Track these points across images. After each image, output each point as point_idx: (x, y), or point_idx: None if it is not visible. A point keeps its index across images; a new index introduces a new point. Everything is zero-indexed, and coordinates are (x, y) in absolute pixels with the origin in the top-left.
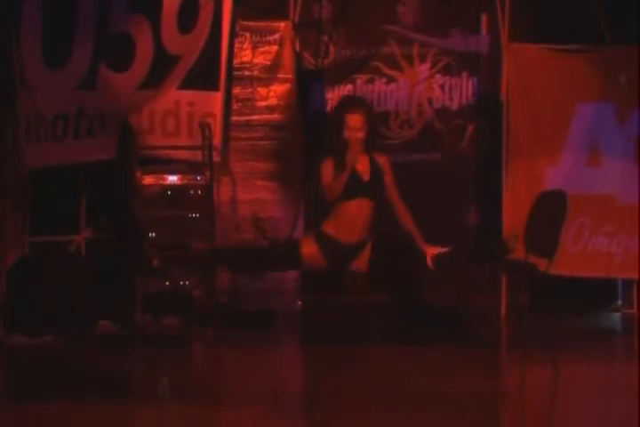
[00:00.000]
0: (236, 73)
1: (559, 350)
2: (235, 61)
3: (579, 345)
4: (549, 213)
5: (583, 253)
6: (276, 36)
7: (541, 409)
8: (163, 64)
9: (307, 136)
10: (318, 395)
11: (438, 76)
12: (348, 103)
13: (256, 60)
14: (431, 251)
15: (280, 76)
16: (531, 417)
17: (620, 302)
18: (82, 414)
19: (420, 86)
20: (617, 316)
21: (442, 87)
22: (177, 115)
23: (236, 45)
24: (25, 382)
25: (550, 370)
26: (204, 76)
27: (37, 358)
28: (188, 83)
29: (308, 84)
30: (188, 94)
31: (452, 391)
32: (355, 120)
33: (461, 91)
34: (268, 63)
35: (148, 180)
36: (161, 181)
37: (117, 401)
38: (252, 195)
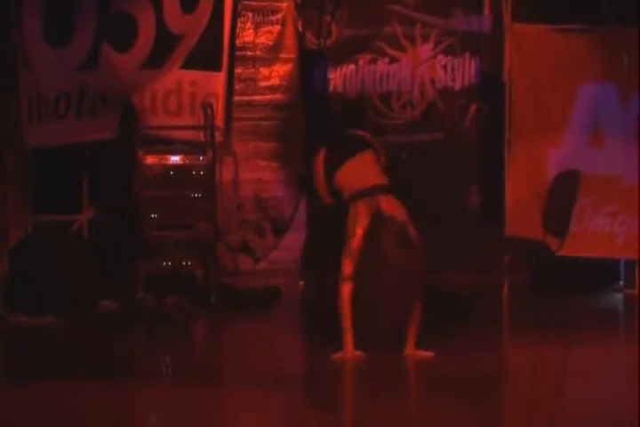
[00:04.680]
0: (238, 53)
1: (560, 330)
2: (237, 41)
3: (580, 325)
4: (564, 193)
5: (586, 233)
6: (279, 15)
7: (541, 388)
8: (165, 44)
9: (308, 116)
10: (318, 374)
11: (441, 56)
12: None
13: (258, 40)
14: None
15: (282, 55)
16: (531, 396)
17: (621, 282)
18: (83, 394)
19: (423, 66)
20: (619, 296)
21: (444, 67)
22: (179, 95)
23: (239, 25)
24: (26, 362)
25: (551, 350)
26: (206, 55)
27: (39, 337)
28: (191, 63)
29: (310, 64)
30: (191, 74)
31: (454, 371)
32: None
33: (464, 71)
34: (271, 43)
35: (151, 160)
36: (163, 161)
37: (118, 381)
38: (255, 175)
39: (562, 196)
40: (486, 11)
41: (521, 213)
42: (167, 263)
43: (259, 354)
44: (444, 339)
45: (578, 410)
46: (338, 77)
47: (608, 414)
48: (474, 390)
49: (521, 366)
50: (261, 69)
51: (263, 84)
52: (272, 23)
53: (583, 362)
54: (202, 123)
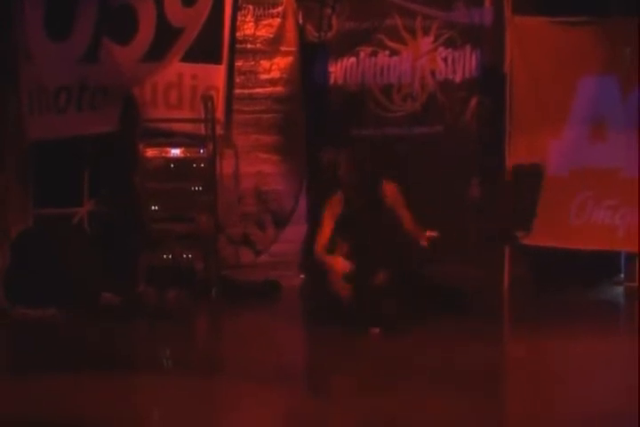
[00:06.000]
0: (238, 46)
1: (561, 323)
2: (237, 34)
3: (580, 319)
4: (527, 185)
5: (586, 225)
6: (279, 8)
7: (541, 381)
8: (166, 37)
9: (309, 109)
10: (319, 367)
11: (441, 48)
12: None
13: (259, 33)
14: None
15: (283, 48)
16: (531, 389)
17: (622, 275)
18: (83, 387)
19: (424, 59)
20: (619, 289)
21: (445, 60)
22: (180, 87)
23: (239, 18)
24: (27, 354)
25: (550, 343)
26: (206, 48)
27: (40, 329)
28: (191, 55)
29: (310, 56)
30: (191, 67)
31: (456, 364)
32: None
33: (464, 64)
34: (271, 36)
35: (151, 152)
36: (164, 154)
37: (119, 374)
38: (255, 168)
39: (523, 189)
40: (487, 3)
41: None
42: (168, 256)
43: (259, 347)
44: (445, 332)
45: (577, 404)
46: (338, 70)
47: (608, 408)
48: (473, 384)
49: (520, 359)
50: (262, 62)
51: (264, 76)
52: (272, 16)
53: (582, 356)
54: (202, 116)
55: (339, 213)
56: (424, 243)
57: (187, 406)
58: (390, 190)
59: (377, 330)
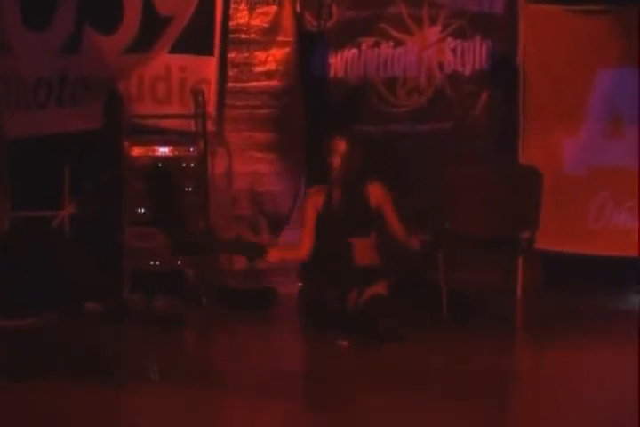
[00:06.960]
0: (231, 36)
1: (573, 332)
2: (230, 23)
3: (595, 328)
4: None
5: (605, 230)
6: None
7: (551, 390)
8: (153, 26)
9: (307, 104)
10: (315, 376)
11: (450, 39)
12: None
13: (253, 22)
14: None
15: (279, 39)
16: (541, 398)
17: None
18: (70, 399)
19: (430, 50)
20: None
21: (453, 51)
22: (168, 81)
23: (232, 6)
24: (6, 366)
25: (562, 353)
26: (197, 39)
27: (18, 340)
28: (180, 46)
29: (309, 47)
30: (180, 59)
31: (465, 372)
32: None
33: (474, 55)
34: (267, 25)
35: (137, 151)
36: (151, 153)
37: (105, 385)
38: (250, 167)
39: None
40: None
41: None
42: (156, 262)
43: (253, 356)
44: (455, 340)
45: (584, 414)
46: (339, 62)
47: (626, 418)
48: (483, 391)
49: (529, 368)
50: (257, 54)
51: (259, 69)
52: (268, 4)
53: (597, 366)
54: (192, 111)
55: (320, 206)
56: (417, 246)
57: (175, 415)
58: (375, 191)
59: (345, 343)
